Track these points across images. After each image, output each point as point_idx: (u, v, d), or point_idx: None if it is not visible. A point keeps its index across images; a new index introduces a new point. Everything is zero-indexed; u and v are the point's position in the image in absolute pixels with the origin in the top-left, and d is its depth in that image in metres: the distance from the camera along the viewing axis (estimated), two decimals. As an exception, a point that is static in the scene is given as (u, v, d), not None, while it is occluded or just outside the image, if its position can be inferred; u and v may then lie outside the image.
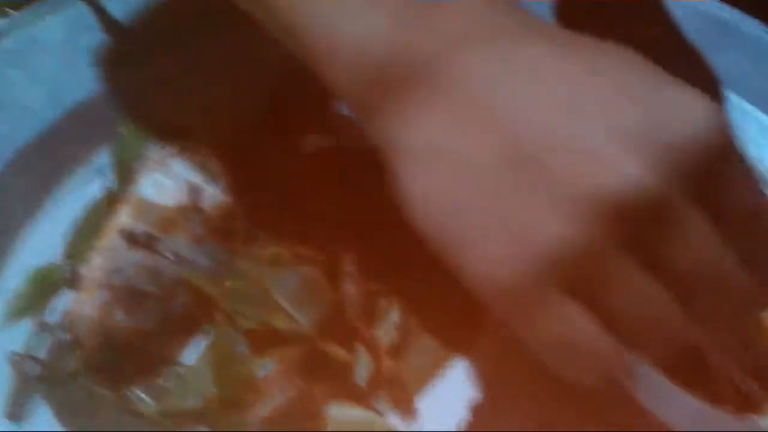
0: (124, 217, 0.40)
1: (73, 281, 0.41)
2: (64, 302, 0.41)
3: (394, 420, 0.38)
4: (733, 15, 0.56)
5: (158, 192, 0.41)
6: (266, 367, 0.36)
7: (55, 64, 0.52)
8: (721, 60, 0.56)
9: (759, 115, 0.56)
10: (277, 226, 0.42)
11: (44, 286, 0.41)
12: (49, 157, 0.48)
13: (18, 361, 0.39)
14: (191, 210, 0.40)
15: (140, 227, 0.39)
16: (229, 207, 0.41)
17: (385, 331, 0.39)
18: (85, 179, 0.46)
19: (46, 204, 0.46)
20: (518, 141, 0.27)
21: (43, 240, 0.43)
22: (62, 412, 0.38)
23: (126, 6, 0.57)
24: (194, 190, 0.41)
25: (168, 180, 0.41)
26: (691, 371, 0.42)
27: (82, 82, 0.51)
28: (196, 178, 0.42)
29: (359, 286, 0.39)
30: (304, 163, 0.45)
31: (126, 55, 0.49)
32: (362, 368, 0.38)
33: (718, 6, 0.56)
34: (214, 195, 0.41)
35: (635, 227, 0.27)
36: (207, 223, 0.40)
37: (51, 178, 0.47)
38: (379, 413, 0.38)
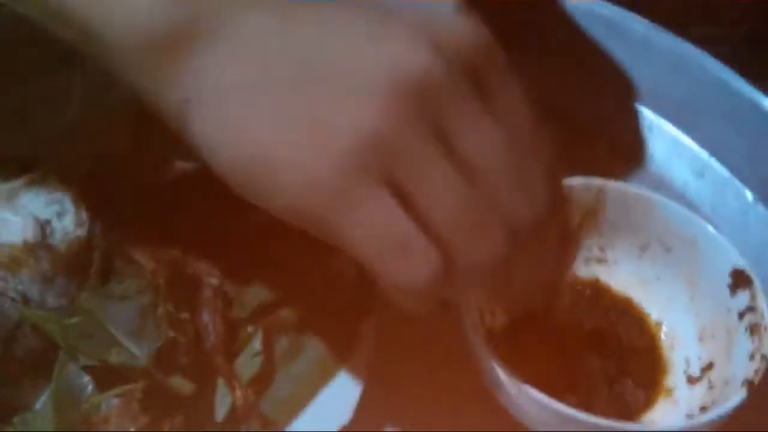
0: (-35, 260, 0.38)
1: None
2: None
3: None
4: (620, 14, 0.57)
5: (4, 230, 0.39)
6: (110, 404, 0.35)
7: None
8: (633, 72, 0.57)
9: (670, 128, 0.57)
10: (137, 254, 0.41)
11: None
12: None
13: None
14: (39, 247, 0.39)
15: (-19, 270, 0.38)
16: (80, 241, 0.40)
17: (246, 362, 0.38)
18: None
19: None
20: (303, 62, 0.29)
21: None
22: None
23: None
24: (42, 226, 0.40)
25: (15, 217, 0.40)
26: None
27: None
28: (46, 212, 0.40)
29: (217, 314, 0.38)
30: (169, 189, 0.44)
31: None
32: (221, 402, 0.36)
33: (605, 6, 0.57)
34: (64, 229, 0.40)
35: (431, 110, 0.28)
36: (56, 260, 0.39)
37: None
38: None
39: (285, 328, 0.40)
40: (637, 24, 0.57)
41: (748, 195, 0.53)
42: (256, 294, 0.41)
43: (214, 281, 0.40)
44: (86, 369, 0.36)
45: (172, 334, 0.36)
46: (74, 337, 0.36)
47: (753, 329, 0.40)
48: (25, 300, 0.38)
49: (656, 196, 0.45)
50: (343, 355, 0.40)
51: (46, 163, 0.41)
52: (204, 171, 0.44)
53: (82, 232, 0.40)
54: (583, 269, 0.47)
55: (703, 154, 0.55)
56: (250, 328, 0.40)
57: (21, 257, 0.38)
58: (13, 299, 0.38)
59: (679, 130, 0.56)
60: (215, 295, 0.39)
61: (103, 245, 0.41)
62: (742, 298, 0.41)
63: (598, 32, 0.58)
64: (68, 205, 0.41)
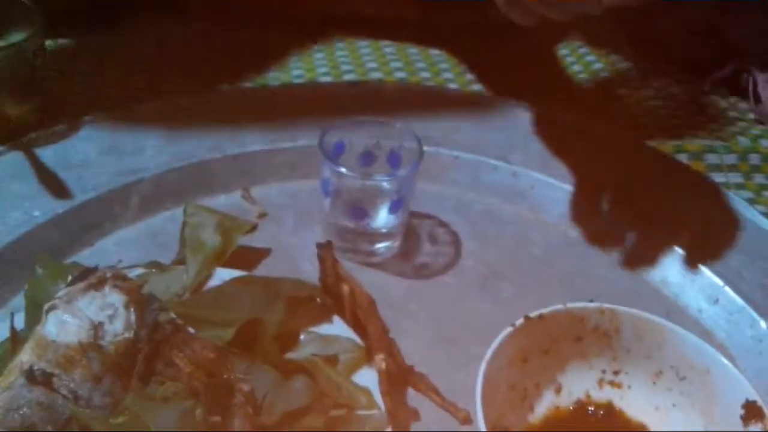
0: (26, 356, 0.42)
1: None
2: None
3: None
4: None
5: (61, 330, 0.43)
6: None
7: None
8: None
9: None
10: (177, 356, 0.44)
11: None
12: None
13: None
14: (91, 347, 0.43)
15: (40, 365, 0.41)
16: (128, 343, 0.43)
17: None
18: (1, 319, 0.49)
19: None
20: None
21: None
22: None
23: (58, 155, 0.62)
24: (96, 328, 0.43)
25: (72, 318, 0.43)
26: None
27: (8, 227, 0.55)
28: (100, 315, 0.44)
29: (248, 420, 0.41)
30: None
31: None
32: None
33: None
34: (114, 331, 0.44)
35: None
36: (106, 361, 0.43)
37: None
38: None
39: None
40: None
41: (762, 324, 0.54)
42: (284, 400, 0.44)
43: (246, 387, 0.43)
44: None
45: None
46: (118, 437, 0.39)
47: (765, 460, 0.41)
48: (75, 397, 0.41)
49: (670, 325, 0.47)
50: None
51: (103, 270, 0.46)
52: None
53: (129, 334, 0.44)
54: (598, 392, 0.48)
55: (718, 281, 0.57)
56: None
57: (75, 357, 0.42)
58: (64, 397, 0.41)
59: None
60: (247, 401, 0.42)
61: (147, 349, 0.45)
62: (755, 429, 0.43)
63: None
64: (120, 309, 0.45)
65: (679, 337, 0.47)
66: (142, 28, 0.84)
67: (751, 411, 0.43)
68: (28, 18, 0.64)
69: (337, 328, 0.50)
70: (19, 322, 0.46)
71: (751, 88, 0.79)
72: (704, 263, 0.58)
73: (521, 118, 0.71)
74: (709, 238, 0.60)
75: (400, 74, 0.80)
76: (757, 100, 0.78)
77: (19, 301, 0.51)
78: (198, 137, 0.66)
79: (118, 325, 0.44)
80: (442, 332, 0.54)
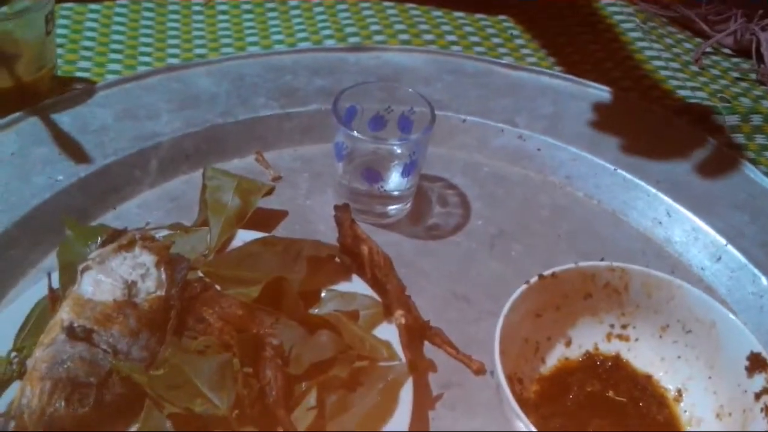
0: (65, 314, 0.44)
1: (20, 373, 0.44)
2: (11, 393, 0.44)
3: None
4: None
5: (96, 289, 0.45)
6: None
7: (7, 174, 0.57)
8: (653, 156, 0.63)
9: (688, 214, 0.62)
10: (206, 312, 0.46)
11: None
12: (1, 260, 0.52)
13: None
14: (126, 305, 0.44)
15: (80, 322, 0.43)
16: (160, 300, 0.45)
17: (301, 415, 0.43)
18: (35, 280, 0.50)
19: (-1, 303, 0.50)
20: None
21: (-4, 336, 0.47)
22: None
23: (76, 121, 0.63)
24: (129, 287, 0.45)
25: (107, 279, 0.45)
26: None
27: (34, 191, 0.56)
28: (132, 275, 0.46)
29: (279, 371, 0.43)
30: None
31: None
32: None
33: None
34: (147, 289, 0.46)
35: None
36: (141, 317, 0.44)
37: (2, 280, 0.52)
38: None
39: (336, 386, 0.45)
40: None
41: (763, 280, 0.57)
42: (310, 352, 0.46)
43: (275, 341, 0.45)
44: (169, 416, 0.41)
45: (242, 388, 0.41)
46: (161, 387, 0.41)
47: (768, 409, 0.43)
48: (115, 352, 0.43)
49: (678, 281, 0.49)
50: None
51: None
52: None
53: (161, 292, 0.46)
54: (606, 344, 0.51)
55: (720, 239, 0.59)
56: (304, 385, 0.44)
57: (112, 314, 0.44)
58: (104, 351, 0.43)
59: (697, 217, 0.61)
60: (276, 354, 0.44)
61: (179, 306, 0.47)
62: (759, 380, 0.45)
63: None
64: (151, 268, 0.47)
65: (686, 293, 0.49)
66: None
67: (755, 362, 0.45)
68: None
69: (356, 285, 0.52)
70: (54, 282, 0.48)
71: (754, 47, 0.81)
72: (708, 222, 0.60)
73: (527, 82, 0.73)
74: (711, 196, 0.62)
75: (404, 36, 0.81)
76: (761, 60, 0.80)
77: (49, 262, 0.53)
78: (209, 103, 0.67)
79: (150, 284, 0.46)
80: (455, 289, 0.56)
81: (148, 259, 0.47)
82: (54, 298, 0.46)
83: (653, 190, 0.63)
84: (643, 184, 0.63)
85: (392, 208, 0.62)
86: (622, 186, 0.64)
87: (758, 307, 0.56)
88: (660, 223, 0.62)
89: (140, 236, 0.48)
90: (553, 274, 0.49)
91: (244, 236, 0.54)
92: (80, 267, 0.46)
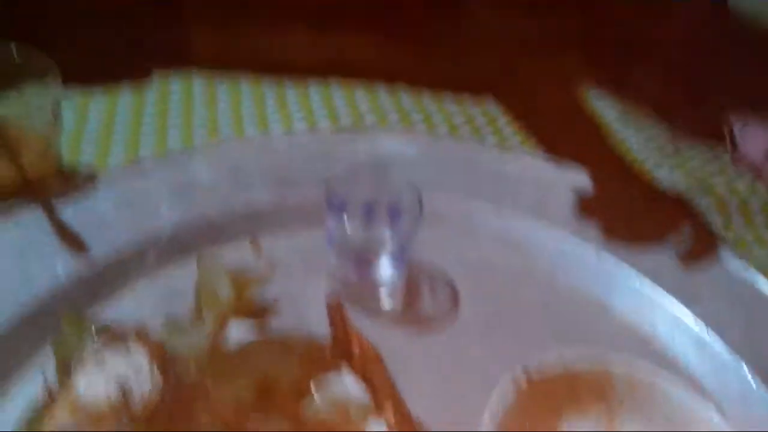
0: (59, 413, 0.45)
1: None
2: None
3: None
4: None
5: (90, 387, 0.46)
6: None
7: (6, 267, 0.58)
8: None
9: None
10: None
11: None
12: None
13: None
14: (121, 405, 0.45)
15: (71, 423, 0.44)
16: (153, 399, 0.46)
17: None
18: (30, 376, 0.51)
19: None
20: None
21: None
22: None
23: (79, 214, 0.64)
24: (123, 385, 0.46)
25: (100, 375, 0.46)
26: None
27: (32, 283, 0.58)
28: (126, 372, 0.47)
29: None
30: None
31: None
32: None
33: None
34: (141, 387, 0.47)
35: None
36: (134, 417, 0.45)
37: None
38: None
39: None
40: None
41: (745, 368, 0.58)
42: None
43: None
44: None
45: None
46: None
47: None
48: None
49: (659, 380, 0.51)
50: None
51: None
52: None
53: (155, 395, 0.47)
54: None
55: (703, 328, 0.61)
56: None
57: (104, 413, 0.45)
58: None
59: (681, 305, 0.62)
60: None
61: (170, 406, 0.47)
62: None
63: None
64: (145, 367, 0.48)
65: (670, 394, 0.51)
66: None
67: None
68: (46, 71, 0.64)
69: (347, 379, 0.53)
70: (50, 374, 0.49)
71: (727, 133, 0.83)
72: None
73: (512, 165, 0.75)
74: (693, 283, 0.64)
75: (394, 116, 0.85)
76: (734, 147, 0.82)
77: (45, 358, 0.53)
78: (206, 190, 0.69)
79: (145, 384, 0.47)
80: (445, 385, 0.57)
81: (142, 357, 0.48)
82: (49, 396, 0.47)
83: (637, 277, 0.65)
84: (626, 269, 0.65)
85: (383, 296, 0.63)
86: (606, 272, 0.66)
87: (742, 399, 0.57)
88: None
89: (135, 332, 0.49)
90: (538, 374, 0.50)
91: (237, 326, 0.56)
92: (74, 363, 0.47)
